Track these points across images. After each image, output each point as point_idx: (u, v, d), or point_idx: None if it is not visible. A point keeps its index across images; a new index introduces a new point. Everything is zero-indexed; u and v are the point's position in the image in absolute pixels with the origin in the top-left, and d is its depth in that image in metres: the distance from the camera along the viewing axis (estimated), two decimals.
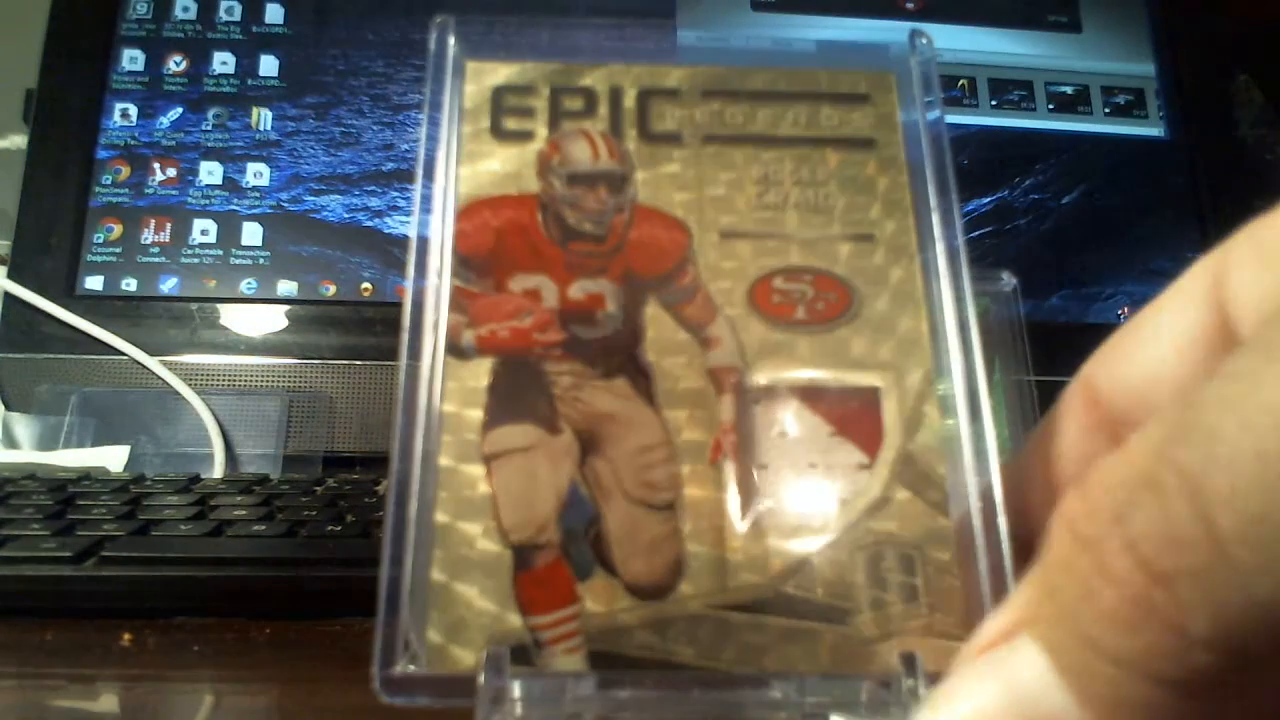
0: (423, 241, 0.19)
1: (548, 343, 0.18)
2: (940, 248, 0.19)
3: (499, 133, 0.20)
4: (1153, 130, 0.52)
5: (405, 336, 0.18)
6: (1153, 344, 0.16)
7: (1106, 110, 0.52)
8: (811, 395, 0.19)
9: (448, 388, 0.18)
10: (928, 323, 0.19)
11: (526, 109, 0.20)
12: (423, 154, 0.19)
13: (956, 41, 0.52)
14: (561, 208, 0.19)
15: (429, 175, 0.19)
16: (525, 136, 0.20)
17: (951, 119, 0.52)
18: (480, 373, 0.18)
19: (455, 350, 0.18)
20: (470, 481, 0.18)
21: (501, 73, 0.20)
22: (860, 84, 0.20)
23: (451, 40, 0.20)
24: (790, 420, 0.19)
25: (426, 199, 0.19)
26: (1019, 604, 0.12)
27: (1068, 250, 0.50)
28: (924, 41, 0.20)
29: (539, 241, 0.19)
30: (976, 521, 0.17)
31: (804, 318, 0.19)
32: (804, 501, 0.18)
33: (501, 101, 0.20)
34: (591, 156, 0.20)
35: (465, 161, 0.19)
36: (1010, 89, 0.51)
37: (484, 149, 0.20)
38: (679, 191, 0.20)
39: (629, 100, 0.20)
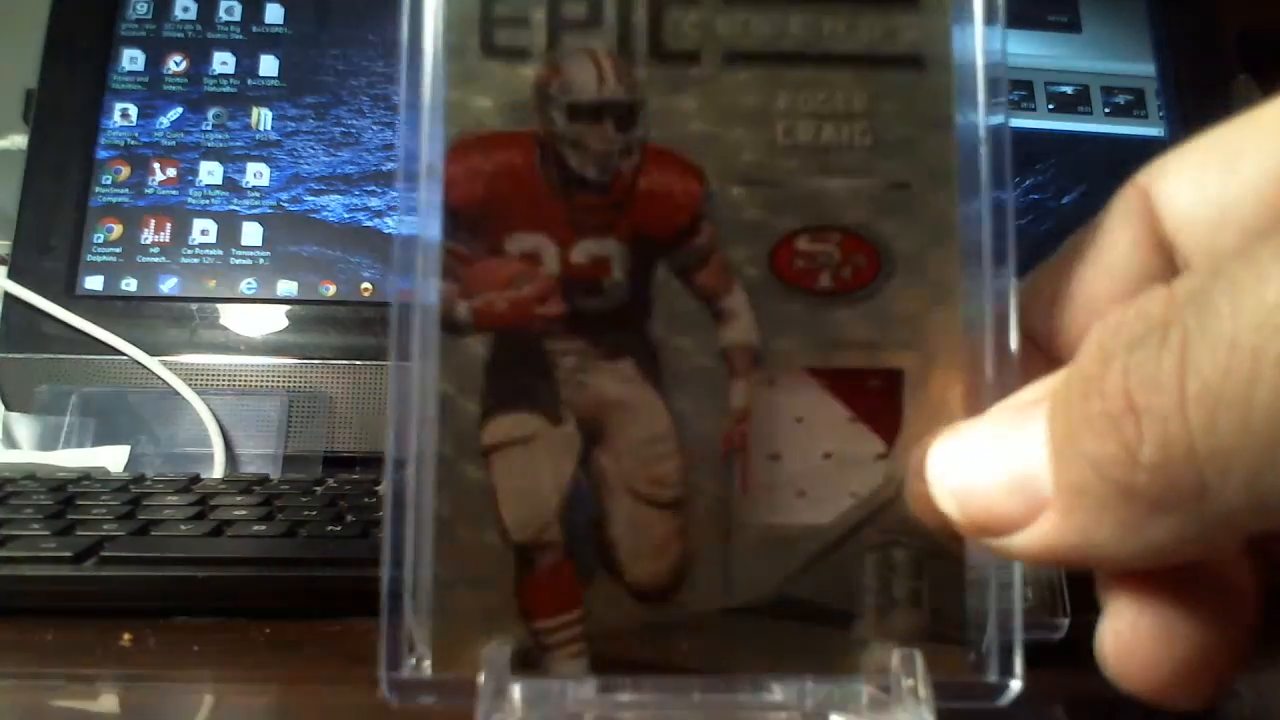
0: (410, 185, 0.16)
1: (548, 315, 0.17)
2: (987, 202, 0.17)
3: (490, 49, 0.17)
4: (1153, 130, 0.52)
5: (394, 318, 0.16)
6: (1230, 176, 0.15)
7: (1106, 110, 0.51)
8: (830, 376, 0.17)
9: (443, 368, 0.17)
10: (963, 301, 0.17)
11: (521, 19, 0.17)
12: (404, 85, 0.17)
13: None
14: (562, 148, 0.17)
15: (412, 113, 0.17)
16: (520, 55, 0.17)
17: None
18: (477, 351, 0.17)
19: (450, 324, 0.17)
20: (470, 477, 0.17)
21: None
22: None
23: None
24: (806, 404, 0.17)
25: (411, 148, 0.17)
26: (1054, 381, 0.14)
27: None
28: None
29: (537, 191, 0.17)
30: None
31: (828, 286, 0.17)
32: (815, 496, 0.17)
33: (492, 9, 0.17)
34: (597, 82, 0.17)
35: (453, 87, 0.17)
36: (1010, 89, 0.51)
37: (473, 69, 0.17)
38: (694, 124, 0.17)
39: (640, 7, 0.17)
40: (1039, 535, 0.13)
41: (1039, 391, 0.14)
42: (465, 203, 0.17)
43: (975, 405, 0.17)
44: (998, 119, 0.17)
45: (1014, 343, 0.17)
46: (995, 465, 0.14)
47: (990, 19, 0.17)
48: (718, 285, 0.17)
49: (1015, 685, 0.16)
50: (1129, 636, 0.14)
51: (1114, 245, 0.16)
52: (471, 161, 0.17)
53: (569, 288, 0.17)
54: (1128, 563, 0.13)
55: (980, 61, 0.17)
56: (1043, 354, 0.17)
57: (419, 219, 0.17)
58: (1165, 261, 0.16)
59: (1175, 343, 0.12)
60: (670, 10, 0.17)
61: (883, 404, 0.17)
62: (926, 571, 0.17)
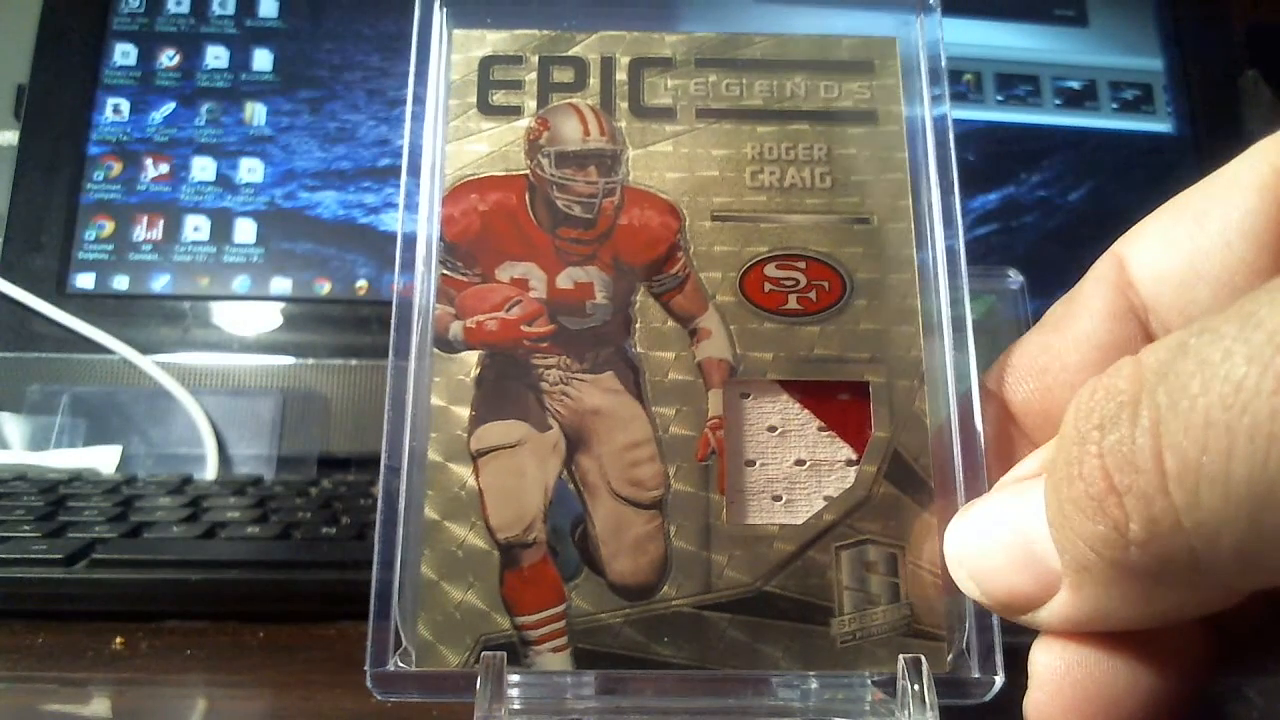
0: (409, 228, 0.18)
1: (535, 335, 0.18)
2: (939, 232, 0.19)
3: (486, 108, 0.19)
4: (1161, 126, 0.51)
5: (393, 335, 0.18)
6: (1199, 232, 0.15)
7: (1114, 105, 0.51)
8: (801, 389, 0.19)
9: (435, 382, 0.18)
10: (922, 315, 0.18)
11: (514, 82, 0.19)
12: (408, 135, 0.18)
13: (962, 35, 0.51)
14: (550, 190, 0.19)
15: (414, 159, 0.18)
16: (513, 112, 0.19)
17: (957, 114, 0.51)
18: (468, 366, 0.18)
19: (443, 343, 0.18)
20: (459, 480, 0.17)
21: (489, 41, 0.20)
22: (862, 50, 0.20)
23: (438, 5, 0.20)
24: (779, 415, 0.18)
25: (412, 188, 0.18)
26: (1046, 454, 0.14)
27: (1075, 248, 0.49)
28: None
29: (527, 227, 0.19)
30: None
31: (795, 307, 0.19)
32: (789, 499, 0.18)
33: (489, 74, 0.19)
34: (582, 134, 0.19)
35: (452, 139, 0.19)
36: (1016, 84, 0.51)
37: (471, 126, 0.19)
38: (671, 171, 0.19)
39: (621, 71, 0.19)
40: (1059, 611, 0.14)
41: (1036, 464, 0.15)
42: (460, 237, 0.19)
43: (936, 410, 0.18)
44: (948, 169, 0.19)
45: (971, 351, 0.18)
46: (1004, 545, 0.14)
47: (935, 85, 0.19)
48: (693, 307, 0.19)
49: (999, 681, 0.16)
50: (1047, 708, 0.15)
51: (1088, 315, 0.17)
52: (467, 202, 0.19)
53: (555, 309, 0.18)
54: (1148, 625, 0.14)
55: (929, 121, 0.19)
56: (1023, 430, 0.17)
57: (417, 227, 0.18)
58: (1138, 329, 0.16)
59: (1147, 422, 0.12)
60: (648, 75, 0.19)
61: (852, 414, 0.18)
62: (902, 569, 0.17)
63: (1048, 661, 0.15)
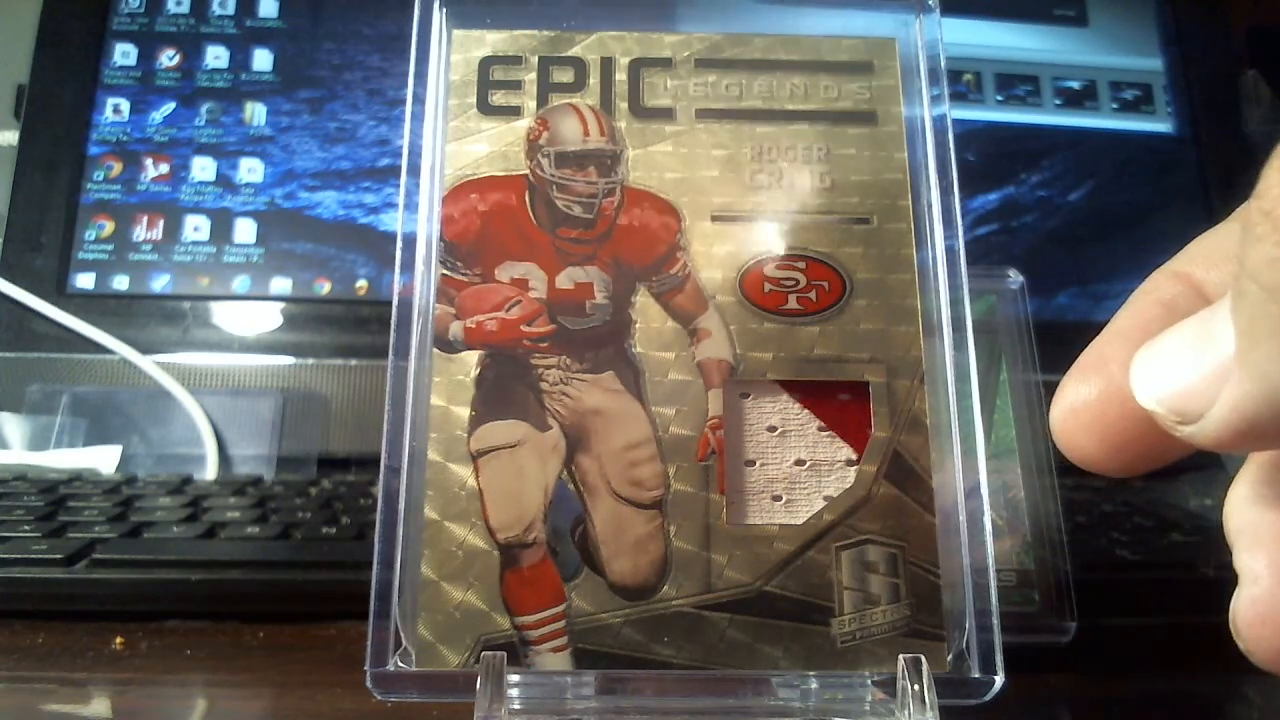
0: (409, 228, 0.18)
1: (536, 335, 0.18)
2: (939, 232, 0.19)
3: (486, 108, 0.19)
4: (1161, 126, 0.51)
5: (393, 335, 0.18)
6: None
7: (1114, 106, 0.51)
8: (801, 389, 0.19)
9: (435, 382, 0.18)
10: (922, 315, 0.18)
11: (514, 82, 0.20)
12: (408, 135, 0.19)
13: (962, 35, 0.51)
14: (549, 189, 0.19)
15: (414, 159, 0.19)
16: (513, 112, 0.19)
17: (956, 114, 0.51)
18: (468, 366, 0.18)
19: (443, 343, 0.18)
20: (459, 480, 0.17)
21: (489, 41, 0.20)
22: (861, 51, 0.20)
23: (438, 5, 0.20)
24: (779, 415, 0.19)
25: (412, 188, 0.18)
26: None
27: (1075, 247, 0.49)
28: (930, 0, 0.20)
29: (527, 227, 0.19)
30: (961, 517, 0.17)
31: (795, 307, 0.19)
32: (790, 499, 0.18)
33: (489, 74, 0.20)
34: (581, 134, 0.19)
35: (451, 139, 0.19)
36: (1016, 84, 0.51)
37: (471, 126, 0.19)
38: (670, 171, 0.19)
39: (620, 72, 0.20)
40: (1225, 402, 0.12)
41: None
42: (460, 237, 0.19)
43: (936, 410, 0.18)
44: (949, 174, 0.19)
45: (971, 350, 0.18)
46: (1185, 349, 0.13)
47: (934, 83, 0.19)
48: (693, 307, 0.19)
49: (998, 681, 0.17)
50: (1266, 605, 0.13)
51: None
52: (467, 202, 0.19)
53: (555, 309, 0.18)
54: None
55: (928, 119, 0.19)
56: None
57: (417, 227, 0.18)
58: None
59: None
60: (647, 75, 0.19)
61: (852, 414, 0.18)
62: (902, 569, 0.17)
63: (1260, 558, 0.13)
